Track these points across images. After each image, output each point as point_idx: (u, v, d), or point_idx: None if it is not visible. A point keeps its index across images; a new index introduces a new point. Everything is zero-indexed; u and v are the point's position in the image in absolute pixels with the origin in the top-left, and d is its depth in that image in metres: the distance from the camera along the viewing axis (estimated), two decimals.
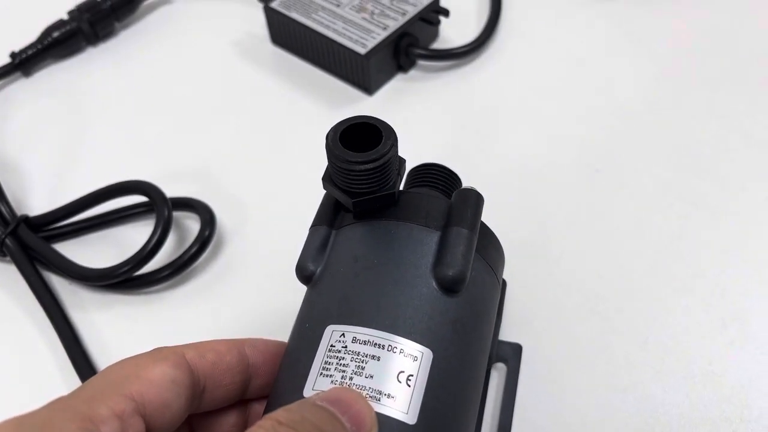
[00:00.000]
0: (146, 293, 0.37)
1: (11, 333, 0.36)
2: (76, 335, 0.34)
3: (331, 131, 0.26)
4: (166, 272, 0.36)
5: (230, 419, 0.26)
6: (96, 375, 0.23)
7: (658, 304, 0.34)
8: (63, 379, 0.34)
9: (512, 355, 0.32)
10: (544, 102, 0.44)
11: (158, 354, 0.23)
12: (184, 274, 0.37)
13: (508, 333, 0.33)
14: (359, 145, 0.26)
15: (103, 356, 0.34)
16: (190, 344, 0.24)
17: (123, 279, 0.35)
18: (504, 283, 0.33)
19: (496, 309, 0.29)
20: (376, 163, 0.25)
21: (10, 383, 0.34)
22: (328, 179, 0.27)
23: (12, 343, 0.35)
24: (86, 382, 0.22)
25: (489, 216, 0.31)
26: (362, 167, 0.25)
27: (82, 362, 0.33)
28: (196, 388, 0.24)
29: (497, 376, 0.32)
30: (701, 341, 0.33)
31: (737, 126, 0.42)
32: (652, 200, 0.39)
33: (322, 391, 0.22)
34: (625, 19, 0.48)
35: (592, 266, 0.36)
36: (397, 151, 0.27)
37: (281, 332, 0.31)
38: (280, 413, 0.20)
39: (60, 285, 0.37)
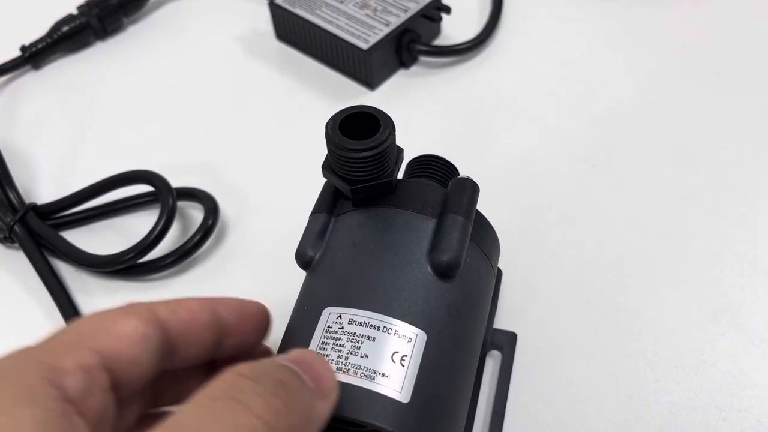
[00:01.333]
0: (150, 280, 0.37)
1: (19, 317, 0.36)
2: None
3: (330, 120, 0.27)
4: (170, 259, 0.37)
5: (199, 379, 0.25)
6: (64, 327, 0.22)
7: (652, 296, 0.35)
8: None
9: (507, 343, 0.33)
10: (543, 98, 0.45)
11: (130, 309, 0.22)
12: (187, 261, 0.37)
13: (503, 322, 0.34)
14: (358, 133, 0.27)
15: None
16: (162, 301, 0.24)
17: (128, 265, 0.36)
18: (499, 272, 0.33)
19: (491, 295, 0.30)
20: (374, 151, 0.26)
21: None
22: (327, 167, 0.28)
23: (19, 327, 0.36)
24: (53, 333, 0.21)
25: (487, 207, 0.32)
26: (360, 155, 0.26)
27: None
28: (167, 345, 0.23)
29: (492, 363, 0.33)
30: (693, 332, 0.34)
31: (732, 123, 0.42)
32: (647, 194, 0.39)
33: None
34: (624, 17, 0.49)
35: (587, 258, 0.37)
36: (394, 140, 0.27)
37: (282, 320, 0.32)
38: (242, 366, 0.20)
39: (66, 271, 0.38)
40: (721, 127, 0.42)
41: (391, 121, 0.27)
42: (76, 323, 0.22)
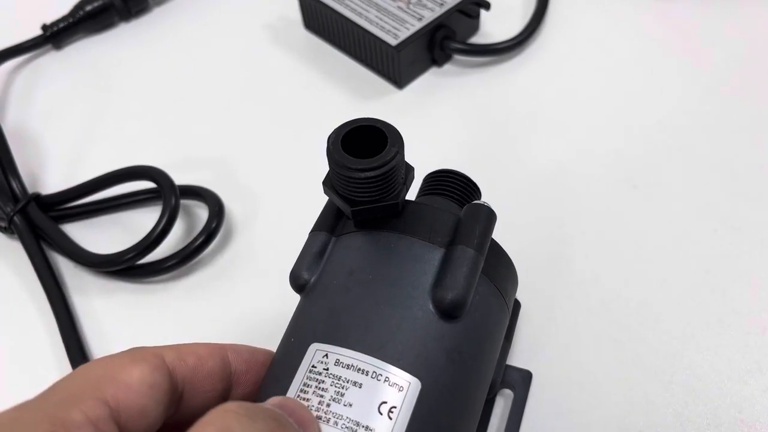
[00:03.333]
0: (149, 282, 0.36)
1: (10, 311, 0.35)
2: (74, 321, 0.34)
3: (333, 134, 0.24)
4: (171, 262, 0.35)
5: None
6: (69, 375, 0.21)
7: (688, 340, 0.31)
8: (56, 363, 0.33)
9: (521, 382, 0.30)
10: (583, 108, 0.41)
11: (136, 354, 0.22)
12: (189, 265, 0.35)
13: (518, 357, 0.31)
14: (363, 149, 0.24)
15: (98, 344, 0.33)
16: (169, 346, 0.23)
17: (127, 266, 0.34)
18: (517, 304, 0.30)
19: (503, 336, 0.27)
20: (378, 171, 0.23)
21: (1, 361, 0.33)
22: (328, 184, 0.25)
23: (9, 322, 0.35)
24: (58, 382, 0.21)
25: (510, 228, 0.29)
26: (363, 175, 0.24)
27: (75, 349, 0.32)
28: (174, 393, 0.22)
29: (502, 403, 0.30)
30: (732, 385, 0.30)
31: None
32: (693, 223, 0.35)
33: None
34: (682, 21, 0.45)
35: (618, 290, 0.33)
36: (402, 159, 0.24)
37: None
38: (230, 404, 0.19)
39: (65, 266, 0.36)
40: None
41: (400, 138, 0.24)
42: (81, 370, 0.21)
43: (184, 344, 0.23)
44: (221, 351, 0.24)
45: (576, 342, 0.32)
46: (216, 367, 0.23)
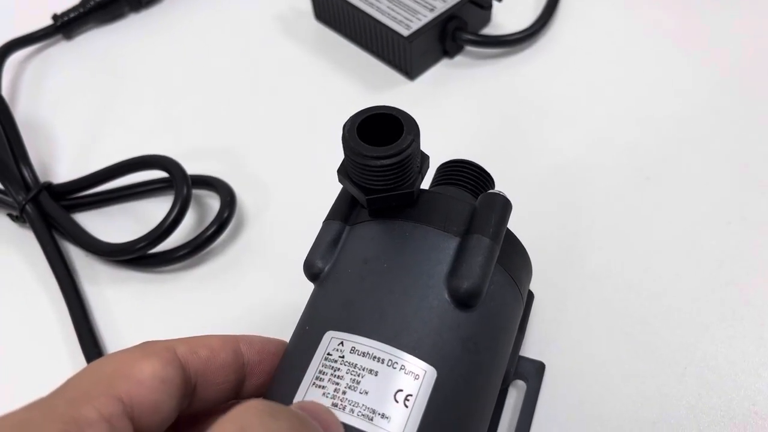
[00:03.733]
0: (161, 272, 0.36)
1: (23, 300, 0.35)
2: (86, 310, 0.34)
3: (348, 121, 0.24)
4: (182, 252, 0.35)
5: None
6: (81, 371, 0.21)
7: (702, 332, 0.31)
8: (68, 352, 0.33)
9: (534, 373, 0.30)
10: (596, 99, 0.41)
11: (148, 349, 0.21)
12: (200, 255, 0.35)
13: (531, 348, 0.31)
14: (378, 137, 0.24)
15: (111, 333, 0.34)
16: (181, 339, 0.23)
17: (138, 255, 0.34)
18: (531, 295, 0.30)
19: (517, 326, 0.26)
20: (394, 159, 0.23)
21: (14, 350, 0.33)
22: (343, 172, 0.25)
23: (22, 311, 0.35)
24: (70, 380, 0.20)
25: (523, 219, 0.28)
26: (379, 162, 0.23)
27: (88, 338, 0.32)
28: (187, 386, 0.22)
29: (515, 394, 0.30)
30: (746, 378, 0.30)
31: None
32: (707, 215, 0.35)
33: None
34: (696, 14, 0.44)
35: (630, 282, 0.33)
36: (418, 147, 0.24)
37: (295, 325, 0.29)
38: (255, 401, 0.19)
39: (76, 255, 0.36)
40: None
41: (416, 126, 0.24)
42: (93, 366, 0.21)
43: (195, 337, 0.23)
44: (233, 342, 0.24)
45: (589, 334, 0.32)
46: (228, 358, 0.23)
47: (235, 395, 0.24)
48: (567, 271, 0.34)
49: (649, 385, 0.30)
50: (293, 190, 0.38)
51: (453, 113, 0.41)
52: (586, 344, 0.31)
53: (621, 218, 0.35)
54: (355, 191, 0.25)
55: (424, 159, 0.26)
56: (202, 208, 0.38)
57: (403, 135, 0.24)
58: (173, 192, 0.36)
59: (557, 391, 0.30)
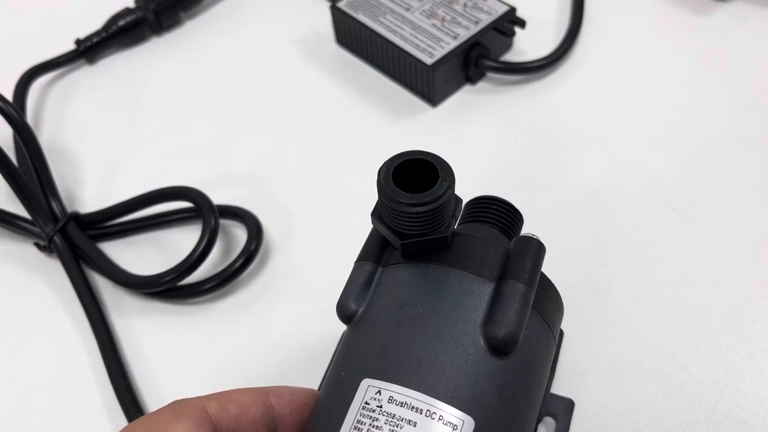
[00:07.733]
0: (189, 304, 0.36)
1: (51, 330, 0.35)
2: (114, 342, 0.34)
3: (383, 166, 0.24)
4: (210, 284, 0.35)
5: None
6: None
7: (731, 368, 0.31)
8: (96, 384, 0.33)
9: (563, 411, 0.30)
10: (621, 126, 0.41)
11: (179, 409, 0.22)
12: (227, 286, 0.36)
13: (560, 384, 0.31)
14: (413, 182, 0.24)
15: (139, 364, 0.34)
16: (211, 395, 0.23)
17: (166, 288, 0.34)
18: (561, 333, 0.30)
19: (549, 369, 0.26)
20: (430, 206, 0.23)
21: (42, 382, 0.34)
22: (377, 215, 0.25)
23: (51, 342, 0.35)
24: None
25: (548, 251, 0.28)
26: (415, 210, 0.23)
27: (116, 370, 0.33)
28: None
29: (544, 431, 0.30)
30: None
31: None
32: (735, 247, 0.35)
33: None
34: (722, 36, 0.44)
35: (658, 317, 0.33)
36: (453, 193, 0.24)
37: (323, 359, 0.30)
38: None
39: (104, 286, 0.37)
40: None
41: (451, 172, 0.24)
42: (127, 431, 0.21)
43: (225, 392, 0.23)
44: (263, 396, 0.24)
45: (618, 369, 0.32)
46: (259, 413, 0.23)
47: None
48: (595, 304, 0.34)
49: (678, 422, 0.30)
50: (317, 219, 0.38)
51: (475, 140, 0.41)
52: (615, 380, 0.31)
53: (647, 249, 0.35)
54: (389, 235, 0.25)
55: (458, 202, 0.26)
56: (228, 237, 0.38)
57: (439, 182, 0.24)
58: (199, 221, 0.36)
59: (586, 427, 0.30)
